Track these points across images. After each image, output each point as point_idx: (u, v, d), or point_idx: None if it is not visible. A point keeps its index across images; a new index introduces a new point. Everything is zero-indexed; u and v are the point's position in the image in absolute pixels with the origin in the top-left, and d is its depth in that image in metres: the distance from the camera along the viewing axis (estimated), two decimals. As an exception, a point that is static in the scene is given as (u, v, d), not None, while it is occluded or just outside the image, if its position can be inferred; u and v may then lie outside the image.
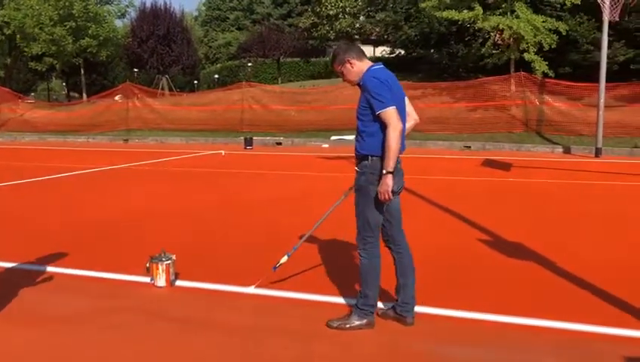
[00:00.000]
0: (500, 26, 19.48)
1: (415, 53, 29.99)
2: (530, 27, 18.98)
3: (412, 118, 3.58)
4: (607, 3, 14.30)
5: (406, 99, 3.48)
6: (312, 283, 4.22)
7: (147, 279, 4.18)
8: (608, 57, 15.84)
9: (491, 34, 21.04)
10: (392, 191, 3.24)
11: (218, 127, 22.63)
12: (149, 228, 6.26)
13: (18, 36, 37.44)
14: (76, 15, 34.01)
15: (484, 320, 3.53)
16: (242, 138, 19.47)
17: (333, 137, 19.58)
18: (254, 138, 19.28)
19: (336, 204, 3.90)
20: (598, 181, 10.37)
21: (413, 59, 29.70)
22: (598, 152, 15.30)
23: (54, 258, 4.80)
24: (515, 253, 5.06)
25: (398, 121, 3.17)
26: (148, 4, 41.54)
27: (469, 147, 17.91)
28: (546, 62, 19.31)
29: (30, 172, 11.34)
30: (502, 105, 20.13)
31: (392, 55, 34.15)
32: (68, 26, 34.08)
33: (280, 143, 20.03)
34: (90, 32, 35.05)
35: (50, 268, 4.55)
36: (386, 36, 34.57)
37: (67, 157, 15.20)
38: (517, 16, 19.32)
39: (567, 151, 16.69)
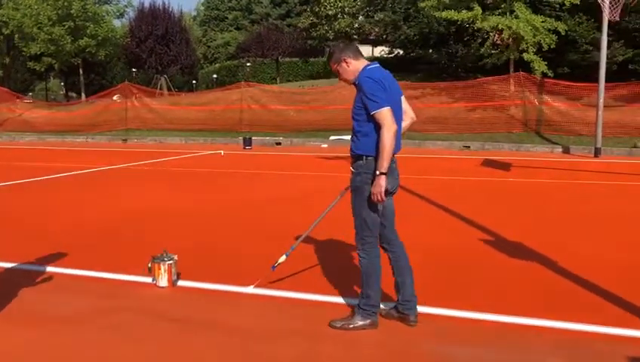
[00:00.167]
0: (499, 26, 19.49)
1: (414, 53, 29.99)
2: (529, 27, 18.99)
3: (409, 116, 3.57)
4: (607, 3, 14.30)
5: (402, 97, 3.47)
6: (311, 282, 4.21)
7: (148, 279, 4.17)
8: (607, 57, 15.85)
9: (490, 34, 21.07)
10: (387, 192, 3.24)
11: (217, 127, 22.62)
12: (149, 228, 6.26)
13: (16, 36, 37.44)
14: (75, 15, 33.98)
15: (485, 320, 3.53)
16: (241, 138, 19.46)
17: (332, 137, 19.57)
18: (253, 138, 19.26)
19: (333, 204, 3.91)
20: (598, 181, 10.38)
21: (412, 59, 29.70)
22: (597, 152, 15.31)
23: (54, 258, 4.79)
24: (516, 253, 5.06)
25: (392, 122, 3.16)
26: (146, 4, 41.53)
27: (469, 147, 17.92)
28: (545, 63, 19.32)
29: (30, 172, 11.32)
30: (501, 105, 20.14)
31: (390, 55, 34.15)
32: (66, 26, 34.05)
33: (279, 143, 20.02)
34: (88, 31, 35.03)
35: (50, 268, 4.54)
36: (384, 36, 34.57)
37: (66, 157, 15.18)
38: (516, 17, 19.33)
39: (566, 151, 16.70)
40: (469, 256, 5.05)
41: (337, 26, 35.99)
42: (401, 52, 32.47)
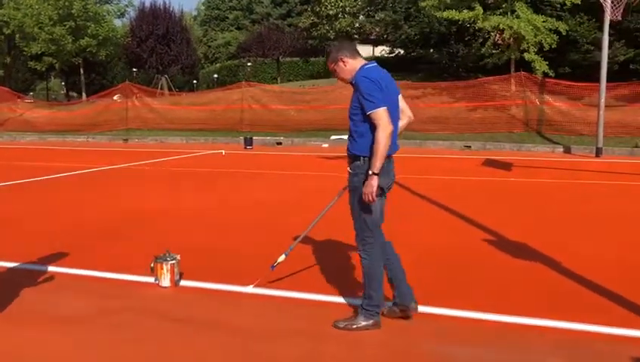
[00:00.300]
0: (500, 26, 19.48)
1: (415, 52, 29.97)
2: (530, 27, 18.99)
3: (406, 115, 3.56)
4: (609, 2, 14.29)
5: (400, 96, 3.46)
6: (312, 282, 4.21)
7: (151, 279, 4.17)
8: (609, 57, 15.86)
9: (491, 34, 21.03)
10: (382, 190, 3.25)
11: (218, 126, 22.64)
12: (151, 228, 6.25)
13: (17, 36, 37.51)
14: (75, 14, 34.03)
15: (487, 320, 3.53)
16: (242, 138, 19.47)
17: (333, 137, 19.58)
18: (254, 138, 19.27)
19: (331, 204, 3.92)
20: (599, 181, 10.37)
21: (413, 59, 29.68)
22: (598, 152, 15.31)
23: (56, 258, 4.79)
24: (517, 253, 5.05)
25: (388, 123, 3.15)
26: (147, 4, 41.57)
27: (470, 147, 17.92)
28: (546, 62, 19.32)
29: (31, 172, 11.32)
30: (502, 105, 20.14)
31: (391, 55, 34.14)
32: (67, 26, 34.09)
33: (280, 143, 20.03)
34: (89, 31, 35.08)
35: (51, 268, 4.54)
36: (385, 36, 34.54)
37: (67, 157, 15.18)
38: (517, 16, 19.33)
39: (567, 151, 16.70)
40: (471, 256, 5.05)
41: (338, 26, 36.00)
42: (402, 52, 32.45)
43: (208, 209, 7.43)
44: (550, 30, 19.34)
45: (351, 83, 3.37)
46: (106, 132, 23.87)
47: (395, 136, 3.29)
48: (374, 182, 3.17)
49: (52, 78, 54.07)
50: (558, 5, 20.90)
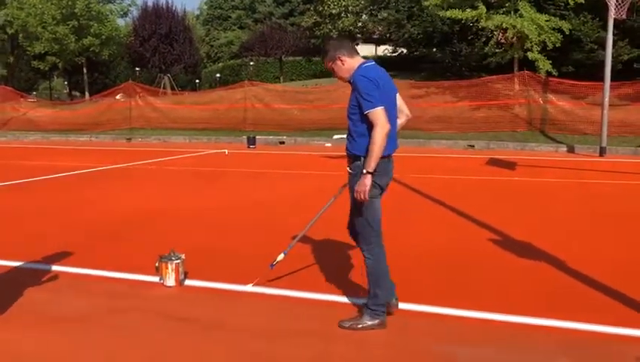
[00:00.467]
0: (504, 25, 19.45)
1: (418, 52, 29.93)
2: (534, 26, 18.95)
3: (404, 114, 3.56)
4: (614, 1, 14.25)
5: (397, 95, 3.45)
6: (313, 281, 4.21)
7: (156, 279, 4.17)
8: (612, 56, 15.79)
9: (495, 33, 21.00)
10: (381, 189, 3.27)
11: (221, 125, 22.65)
12: (155, 228, 6.25)
13: (21, 35, 37.59)
14: (79, 14, 34.08)
15: (493, 320, 3.51)
16: (245, 137, 19.47)
17: (336, 136, 19.56)
18: (257, 137, 19.28)
19: (330, 203, 3.92)
20: (603, 180, 10.34)
21: (416, 58, 29.64)
22: (602, 151, 15.26)
23: (60, 257, 4.79)
24: (522, 252, 5.04)
25: (385, 122, 3.14)
26: (150, 3, 41.51)
27: (473, 146, 17.90)
28: (550, 61, 19.28)
29: (34, 171, 11.34)
30: (505, 104, 20.10)
31: (394, 54, 34.10)
32: (70, 25, 34.15)
33: (283, 142, 20.02)
34: (92, 30, 35.13)
35: (57, 268, 4.54)
36: (388, 35, 34.51)
37: (70, 156, 15.20)
38: (520, 15, 19.29)
39: (570, 150, 16.66)
40: (475, 256, 5.03)
41: (341, 25, 36.00)
42: (405, 51, 32.42)
43: (212, 208, 7.42)
44: (554, 29, 19.30)
45: (349, 82, 3.35)
46: (109, 131, 23.90)
47: (394, 134, 3.29)
48: (367, 181, 3.16)
49: (55, 77, 54.15)
50: (562, 4, 20.85)
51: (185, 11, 45.71)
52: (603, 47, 15.89)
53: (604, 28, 15.54)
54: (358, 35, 37.60)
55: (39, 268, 4.57)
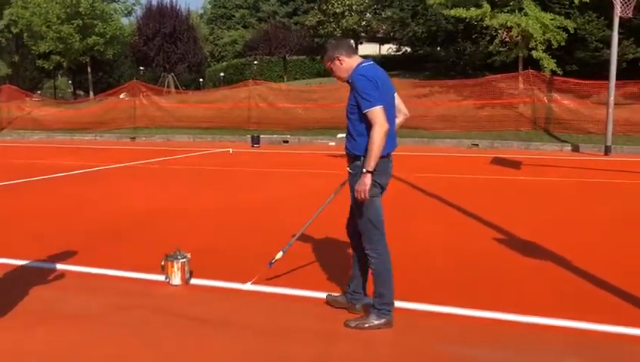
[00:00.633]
0: (508, 24, 19.39)
1: (422, 50, 29.90)
2: (538, 25, 18.90)
3: (402, 113, 3.56)
4: (619, -1, 14.20)
5: (395, 95, 3.45)
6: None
7: (161, 277, 4.17)
8: (617, 55, 15.74)
9: (499, 31, 20.94)
10: (381, 188, 3.27)
11: (225, 124, 22.67)
12: (160, 227, 6.26)
13: (25, 34, 37.67)
14: (83, 13, 34.13)
15: (503, 320, 3.49)
16: (249, 136, 19.49)
17: (340, 135, 19.54)
18: (261, 136, 19.29)
19: (328, 201, 3.94)
20: (609, 179, 10.31)
21: (420, 57, 29.62)
22: (607, 150, 15.22)
23: (66, 256, 4.80)
24: (529, 252, 5.02)
25: (384, 121, 3.15)
26: (154, 2, 41.50)
27: (477, 145, 17.87)
28: (554, 60, 19.21)
29: (39, 170, 11.37)
30: (510, 103, 20.06)
31: (398, 53, 34.08)
32: (75, 24, 34.19)
33: (287, 141, 20.03)
34: (96, 29, 35.17)
35: (62, 266, 4.55)
36: (392, 34, 34.47)
37: (75, 156, 15.24)
38: (525, 14, 19.23)
39: (575, 149, 16.62)
40: (480, 255, 5.02)
41: (345, 24, 35.96)
42: (409, 50, 32.40)
43: (217, 207, 7.43)
44: (558, 28, 19.24)
45: (347, 81, 3.36)
46: (114, 130, 23.94)
47: (392, 133, 3.29)
48: (367, 180, 3.17)
49: (59, 76, 54.26)
50: (567, 3, 20.78)
51: (189, 10, 45.74)
52: (608, 45, 15.84)
53: (610, 26, 15.48)
54: (362, 34, 37.56)
55: (45, 266, 4.58)
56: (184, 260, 4.12)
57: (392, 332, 3.31)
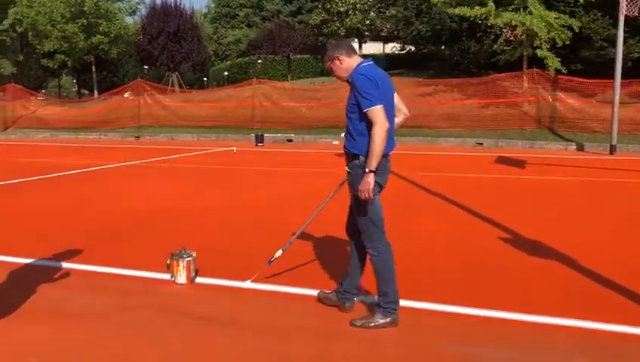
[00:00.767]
0: (513, 23, 19.34)
1: (426, 49, 29.86)
2: (543, 23, 18.84)
3: (402, 112, 3.56)
4: (625, -2, 14.14)
5: (395, 95, 3.46)
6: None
7: (167, 276, 4.18)
8: (623, 54, 15.67)
9: (503, 30, 20.90)
10: (380, 187, 3.27)
11: (229, 123, 22.70)
12: (165, 226, 6.27)
13: (30, 33, 37.78)
14: (87, 12, 34.24)
15: (509, 319, 3.48)
16: (253, 135, 19.51)
17: (344, 134, 19.55)
18: (265, 135, 19.30)
19: (328, 200, 3.94)
20: (614, 178, 10.27)
21: (424, 56, 29.58)
22: (612, 149, 15.17)
23: (72, 254, 4.81)
24: (535, 251, 5.01)
25: (384, 120, 3.15)
26: (158, 1, 41.61)
27: (481, 144, 17.83)
28: (559, 59, 19.15)
29: (44, 169, 11.40)
30: (514, 101, 20.00)
31: (402, 51, 34.03)
32: (79, 23, 34.30)
33: (291, 140, 20.04)
34: (101, 29, 35.28)
35: (67, 265, 4.56)
36: (396, 32, 34.44)
37: (79, 154, 15.28)
38: (530, 13, 19.18)
39: (580, 148, 16.56)
40: (487, 254, 5.01)
41: (349, 23, 35.97)
42: (413, 48, 32.36)
43: (221, 206, 7.43)
44: (563, 26, 19.18)
45: (347, 81, 3.36)
46: (118, 129, 24.00)
47: (392, 133, 3.30)
48: (370, 179, 3.17)
49: (64, 75, 54.41)
50: (572, 1, 20.71)
51: (193, 9, 45.72)
52: (613, 44, 15.78)
53: (615, 25, 15.43)
54: (366, 33, 37.55)
55: (50, 265, 4.59)
56: (190, 259, 4.13)
57: (396, 331, 3.30)
